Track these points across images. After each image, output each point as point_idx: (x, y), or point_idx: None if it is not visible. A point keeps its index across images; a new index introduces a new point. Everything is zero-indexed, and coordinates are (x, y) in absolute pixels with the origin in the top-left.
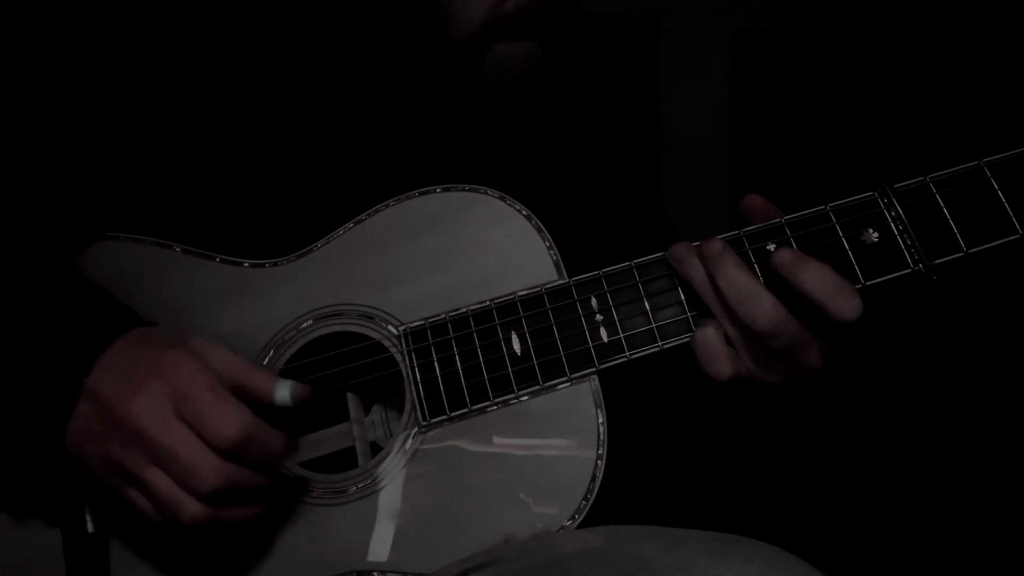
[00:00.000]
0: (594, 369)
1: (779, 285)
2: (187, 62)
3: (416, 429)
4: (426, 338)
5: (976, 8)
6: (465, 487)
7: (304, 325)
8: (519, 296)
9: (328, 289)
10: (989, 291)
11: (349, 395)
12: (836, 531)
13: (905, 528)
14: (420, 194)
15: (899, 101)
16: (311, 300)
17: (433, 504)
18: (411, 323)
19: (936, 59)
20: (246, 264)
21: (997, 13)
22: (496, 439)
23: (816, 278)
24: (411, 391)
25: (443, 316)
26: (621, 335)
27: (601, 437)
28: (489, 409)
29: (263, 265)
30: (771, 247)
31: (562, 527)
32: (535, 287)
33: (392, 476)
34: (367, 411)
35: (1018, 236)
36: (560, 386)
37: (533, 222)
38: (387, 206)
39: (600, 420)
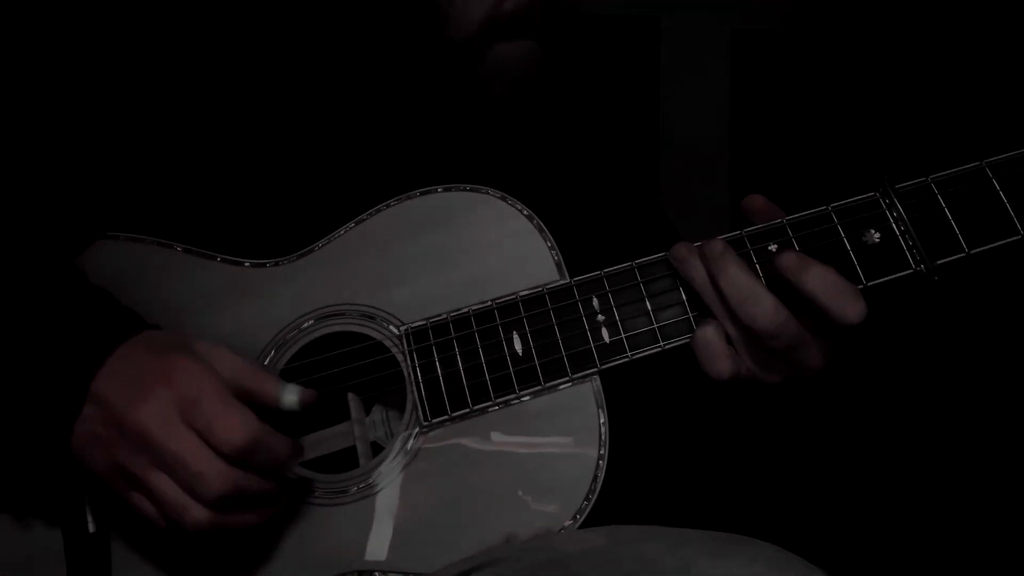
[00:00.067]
0: (596, 369)
1: (780, 286)
2: (188, 62)
3: (417, 429)
4: (427, 338)
5: (976, 8)
6: (466, 487)
7: (305, 325)
8: (521, 296)
9: (329, 289)
10: (990, 292)
11: (350, 395)
12: (836, 531)
13: (905, 528)
14: (421, 194)
15: (900, 101)
16: (312, 300)
17: (434, 504)
18: (412, 323)
19: (936, 59)
20: (247, 264)
21: (997, 13)
22: (497, 439)
23: (820, 281)
24: (412, 391)
25: (444, 316)
26: (623, 335)
27: (603, 437)
28: (491, 409)
29: (264, 265)
30: (773, 247)
31: (563, 527)
32: (537, 287)
33: (393, 476)
34: (368, 411)
35: (1020, 237)
36: (562, 386)
37: (535, 222)
38: (388, 206)
39: (602, 420)
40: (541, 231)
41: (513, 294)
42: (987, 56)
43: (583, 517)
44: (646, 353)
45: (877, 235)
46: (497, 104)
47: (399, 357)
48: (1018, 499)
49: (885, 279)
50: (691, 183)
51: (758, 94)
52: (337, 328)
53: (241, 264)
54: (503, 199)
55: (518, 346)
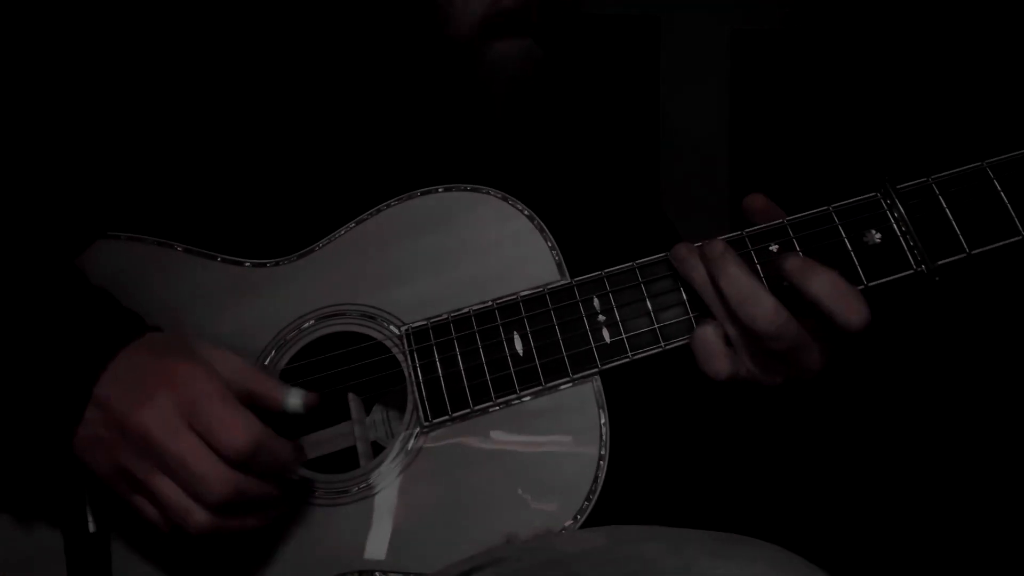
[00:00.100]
0: (596, 369)
1: (781, 287)
2: (188, 61)
3: (418, 429)
4: (428, 338)
5: (976, 8)
6: (467, 487)
7: (306, 325)
8: (521, 296)
9: (329, 289)
10: (991, 292)
11: (351, 395)
12: (837, 531)
13: (905, 528)
14: (422, 194)
15: (900, 101)
16: (312, 300)
17: (435, 504)
18: (413, 323)
19: (937, 59)
20: (247, 264)
21: (997, 13)
22: (498, 439)
23: (825, 286)
24: (413, 391)
25: (445, 316)
26: (623, 335)
27: (603, 437)
28: (491, 409)
29: (264, 265)
30: (774, 248)
31: (564, 527)
32: (537, 287)
33: (394, 476)
34: (368, 411)
35: (1020, 238)
36: (562, 386)
37: (535, 222)
38: (389, 206)
39: (602, 420)
40: (542, 231)
41: (514, 294)
42: (987, 56)
43: (584, 517)
44: (647, 353)
45: (878, 235)
46: (497, 104)
47: (400, 357)
48: (1018, 499)
49: (886, 279)
50: (691, 183)
51: (758, 94)
52: (338, 328)
53: (241, 264)
54: (504, 199)
55: (519, 346)
